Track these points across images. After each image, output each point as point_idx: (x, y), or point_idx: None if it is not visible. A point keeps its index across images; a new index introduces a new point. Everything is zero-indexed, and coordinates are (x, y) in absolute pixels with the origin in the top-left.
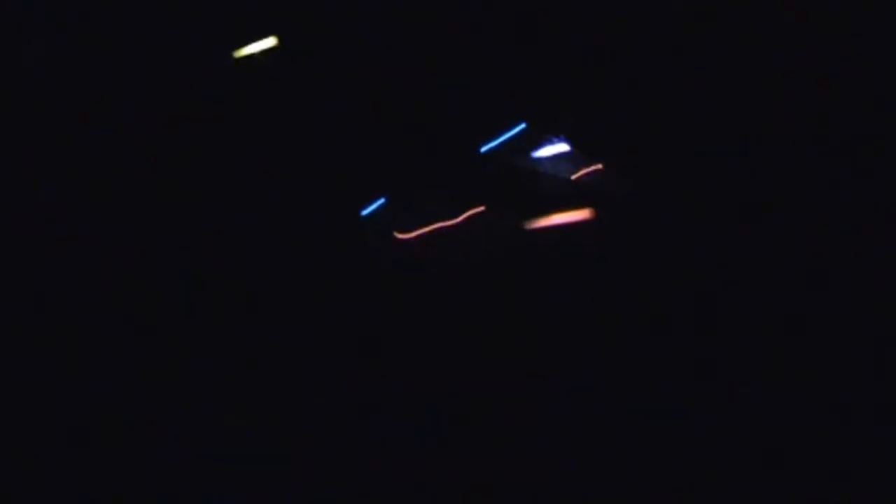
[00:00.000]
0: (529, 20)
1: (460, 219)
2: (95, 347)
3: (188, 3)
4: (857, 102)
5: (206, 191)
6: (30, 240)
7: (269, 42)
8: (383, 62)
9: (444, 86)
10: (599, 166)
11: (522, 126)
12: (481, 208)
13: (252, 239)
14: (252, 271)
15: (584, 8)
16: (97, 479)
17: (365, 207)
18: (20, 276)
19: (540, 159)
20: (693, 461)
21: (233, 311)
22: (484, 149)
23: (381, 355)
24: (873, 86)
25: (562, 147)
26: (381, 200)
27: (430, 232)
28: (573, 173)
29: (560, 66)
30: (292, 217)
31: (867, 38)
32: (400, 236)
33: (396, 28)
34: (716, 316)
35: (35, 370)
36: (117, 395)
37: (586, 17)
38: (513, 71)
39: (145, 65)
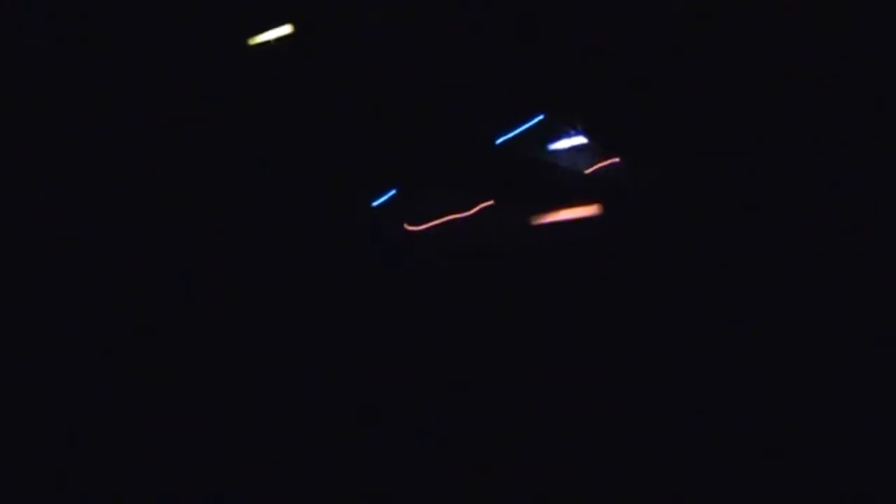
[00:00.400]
0: (549, 12)
1: (472, 211)
2: (96, 347)
3: (187, 3)
4: (857, 102)
5: (212, 176)
6: (30, 240)
7: (285, 30)
8: (399, 51)
9: (461, 75)
10: (617, 160)
11: (540, 118)
12: (493, 201)
13: (259, 231)
14: (259, 263)
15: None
16: (97, 479)
17: (376, 198)
18: (20, 276)
19: (557, 152)
20: (693, 462)
21: (237, 303)
22: (499, 140)
23: (387, 349)
24: (873, 86)
25: (579, 140)
26: (393, 191)
27: (440, 224)
28: (590, 167)
29: (578, 58)
30: (301, 208)
31: (867, 38)
32: (410, 228)
33: (413, 16)
34: (719, 314)
35: (35, 370)
36: (117, 396)
37: (606, 13)
38: (530, 62)
39: (145, 65)
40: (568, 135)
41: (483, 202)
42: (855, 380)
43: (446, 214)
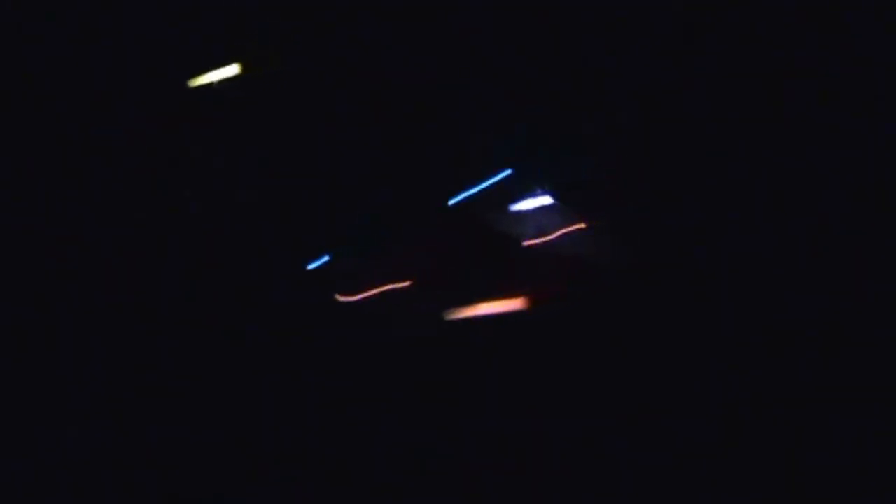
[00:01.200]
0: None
1: (410, 283)
2: (94, 346)
3: (188, 4)
4: (857, 102)
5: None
6: (30, 240)
7: (232, 70)
8: (349, 102)
9: (414, 129)
10: (583, 225)
11: (506, 173)
12: (439, 271)
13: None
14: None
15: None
16: (97, 479)
17: (310, 262)
18: (20, 276)
19: (519, 213)
20: (692, 465)
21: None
22: (453, 201)
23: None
24: (873, 86)
25: (546, 200)
26: (327, 257)
27: (376, 295)
28: (555, 231)
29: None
30: (230, 267)
31: (867, 38)
32: (342, 298)
33: (371, 62)
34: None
35: (35, 370)
36: (116, 396)
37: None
38: (493, 113)
39: (145, 66)
40: (534, 194)
41: (427, 271)
42: (854, 379)
43: (383, 284)
